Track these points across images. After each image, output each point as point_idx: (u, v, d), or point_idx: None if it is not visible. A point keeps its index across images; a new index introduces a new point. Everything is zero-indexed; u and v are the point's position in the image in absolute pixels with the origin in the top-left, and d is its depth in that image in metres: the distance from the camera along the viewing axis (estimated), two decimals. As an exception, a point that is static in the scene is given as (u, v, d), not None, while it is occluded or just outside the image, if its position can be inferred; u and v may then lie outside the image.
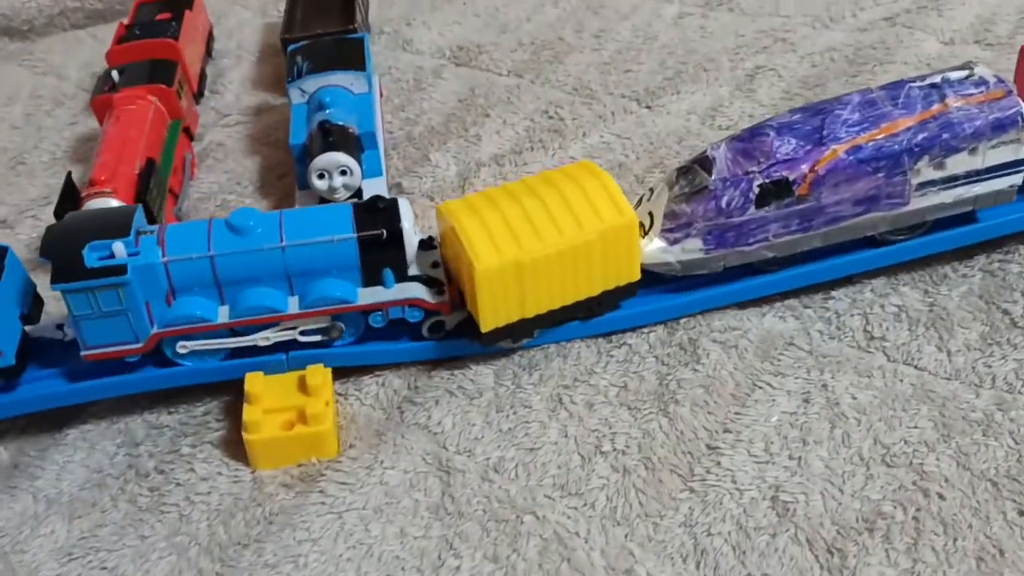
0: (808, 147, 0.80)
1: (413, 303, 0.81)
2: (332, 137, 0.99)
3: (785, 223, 0.82)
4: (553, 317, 0.82)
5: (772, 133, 0.81)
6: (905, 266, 0.89)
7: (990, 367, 0.79)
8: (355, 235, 0.79)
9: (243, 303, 0.80)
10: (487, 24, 1.37)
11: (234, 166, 1.17)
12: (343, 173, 0.98)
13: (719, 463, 0.75)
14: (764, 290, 0.87)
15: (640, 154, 1.08)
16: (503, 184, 0.84)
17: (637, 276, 0.83)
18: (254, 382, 0.81)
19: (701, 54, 1.23)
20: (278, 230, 0.79)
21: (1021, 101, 0.81)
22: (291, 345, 0.84)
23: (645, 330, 0.87)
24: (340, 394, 0.85)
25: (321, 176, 0.98)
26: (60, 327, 0.84)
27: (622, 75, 1.22)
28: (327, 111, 1.03)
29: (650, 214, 0.84)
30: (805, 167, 0.80)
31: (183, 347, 0.81)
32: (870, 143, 0.80)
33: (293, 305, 0.80)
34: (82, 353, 0.79)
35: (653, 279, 0.85)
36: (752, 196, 0.80)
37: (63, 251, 0.76)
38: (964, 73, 0.83)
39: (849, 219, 0.83)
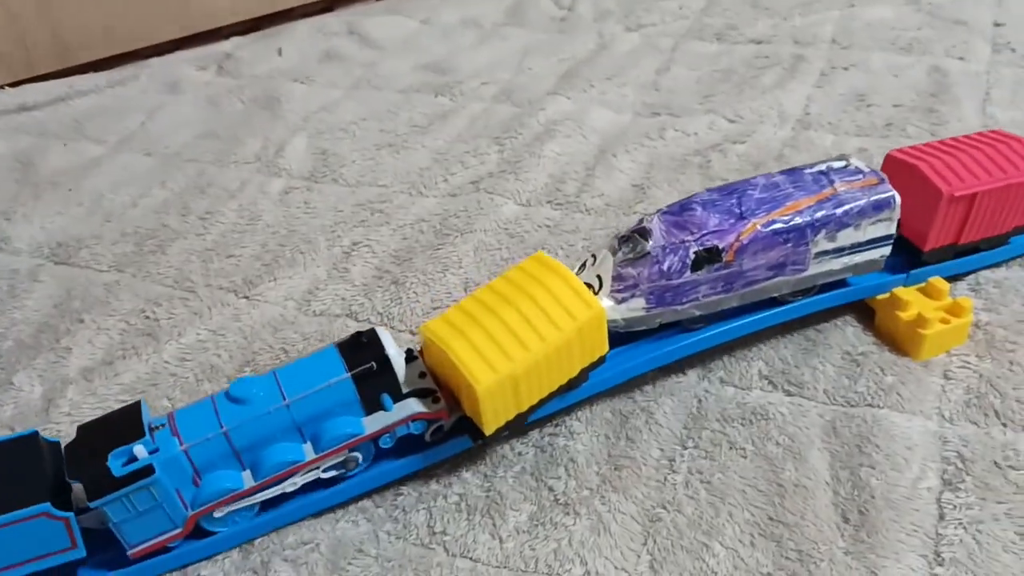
0: (732, 220, 0.92)
1: (415, 418, 0.87)
2: None
3: (712, 285, 0.93)
4: (540, 403, 0.89)
5: (699, 208, 0.94)
6: (469, 453, 0.95)
7: (534, 550, 0.86)
8: (348, 374, 0.85)
9: (265, 464, 0.84)
10: (91, 213, 1.35)
11: None
12: None
13: None
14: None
15: (233, 352, 1.10)
16: (473, 294, 0.89)
17: (606, 350, 0.91)
18: None
19: (300, 234, 1.27)
20: (278, 390, 0.84)
21: (893, 189, 0.95)
22: None
23: (220, 557, 0.87)
24: None
25: None
26: (104, 521, 0.83)
27: (224, 262, 1.24)
28: None
29: (598, 276, 0.94)
30: (731, 237, 0.91)
31: (220, 512, 0.85)
32: (782, 218, 0.92)
33: (309, 452, 0.86)
34: (129, 553, 0.83)
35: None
36: (688, 261, 0.91)
37: (88, 468, 0.79)
38: (843, 163, 0.98)
39: (761, 282, 0.95)
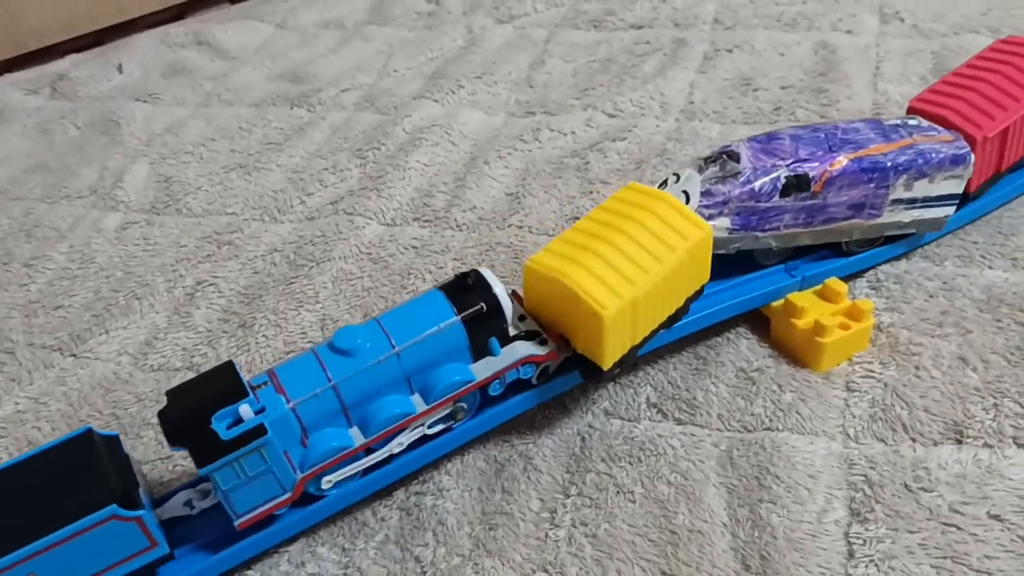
0: (821, 153, 0.92)
1: (527, 361, 0.82)
2: None
3: (795, 215, 0.92)
4: (648, 337, 0.84)
5: (787, 139, 0.94)
6: (327, 520, 0.83)
7: (396, 638, 0.75)
8: (458, 317, 0.79)
9: (376, 418, 0.78)
10: (-103, 268, 1.19)
11: None
12: None
13: None
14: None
15: (57, 422, 0.96)
16: (574, 226, 0.84)
17: (707, 278, 0.87)
18: None
19: (137, 276, 1.13)
20: (386, 338, 0.78)
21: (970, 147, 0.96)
22: None
23: None
24: None
25: None
26: (188, 503, 0.80)
27: (50, 315, 1.09)
28: None
29: (685, 192, 0.91)
30: (823, 167, 0.91)
31: (328, 481, 0.79)
32: (868, 157, 0.92)
33: (419, 404, 0.80)
34: (236, 523, 0.76)
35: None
36: (779, 185, 0.90)
37: (192, 433, 0.72)
38: (916, 121, 0.98)
39: (838, 221, 0.94)
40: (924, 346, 0.91)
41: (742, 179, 0.90)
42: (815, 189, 0.91)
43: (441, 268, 1.09)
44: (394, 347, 0.78)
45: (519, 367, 0.83)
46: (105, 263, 1.16)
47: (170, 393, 0.77)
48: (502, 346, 0.82)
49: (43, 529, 0.69)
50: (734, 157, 0.92)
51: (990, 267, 0.99)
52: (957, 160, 0.95)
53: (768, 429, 0.86)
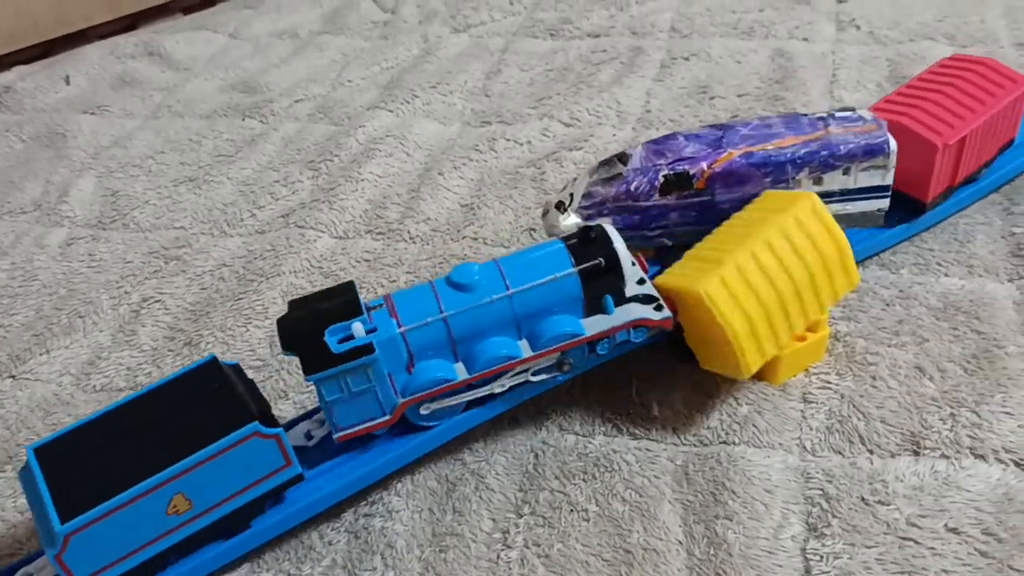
0: (708, 150, 0.90)
1: (639, 324, 0.82)
2: None
3: (684, 213, 0.91)
4: None
5: (681, 138, 0.92)
6: (272, 544, 0.81)
7: (342, 667, 0.72)
8: (575, 269, 0.79)
9: (482, 356, 0.79)
10: None
11: None
12: None
13: None
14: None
15: (-6, 447, 0.93)
16: (751, 249, 0.82)
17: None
18: None
19: (81, 294, 1.09)
20: (501, 279, 0.79)
21: (890, 136, 0.92)
22: None
23: None
24: None
25: None
26: (307, 434, 0.84)
27: (-12, 335, 1.06)
28: None
29: (571, 194, 0.91)
30: (704, 164, 0.89)
31: (427, 408, 0.80)
32: (761, 151, 0.90)
33: (525, 349, 0.81)
34: (335, 435, 0.78)
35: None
36: (657, 184, 0.89)
37: (305, 342, 0.75)
38: (848, 113, 0.95)
39: None
40: (881, 355, 0.90)
41: (621, 180, 0.90)
42: (698, 186, 0.90)
43: (393, 281, 1.06)
44: (508, 289, 0.79)
45: (630, 329, 0.82)
46: (48, 280, 1.13)
47: (292, 303, 0.79)
48: (617, 305, 0.82)
49: (188, 448, 0.71)
50: (624, 159, 0.92)
51: (946, 275, 0.98)
52: (872, 151, 0.91)
53: (724, 443, 0.84)
